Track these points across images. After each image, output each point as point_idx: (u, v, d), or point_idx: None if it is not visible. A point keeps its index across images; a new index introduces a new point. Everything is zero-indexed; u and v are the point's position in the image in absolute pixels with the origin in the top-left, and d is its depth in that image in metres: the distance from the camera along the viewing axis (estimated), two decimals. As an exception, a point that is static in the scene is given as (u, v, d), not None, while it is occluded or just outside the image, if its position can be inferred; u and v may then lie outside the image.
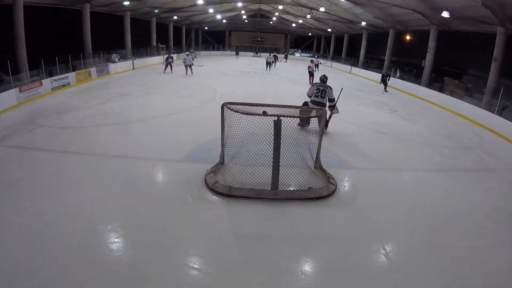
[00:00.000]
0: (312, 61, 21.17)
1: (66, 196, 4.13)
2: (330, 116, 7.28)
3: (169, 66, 17.26)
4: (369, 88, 16.01)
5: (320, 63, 23.31)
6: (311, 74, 15.92)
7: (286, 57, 32.29)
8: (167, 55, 18.23)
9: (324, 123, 5.51)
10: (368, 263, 3.23)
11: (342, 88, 7.60)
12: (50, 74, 11.66)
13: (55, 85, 11.37)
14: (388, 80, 14.85)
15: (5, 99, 8.57)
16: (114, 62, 17.45)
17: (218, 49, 37.44)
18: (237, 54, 34.51)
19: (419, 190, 4.92)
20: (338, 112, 7.25)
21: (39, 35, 14.38)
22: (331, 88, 7.07)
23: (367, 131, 7.89)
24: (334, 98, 7.11)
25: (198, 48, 36.75)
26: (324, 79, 7.31)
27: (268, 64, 21.16)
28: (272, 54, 24.51)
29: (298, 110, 4.72)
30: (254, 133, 4.46)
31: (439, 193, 4.86)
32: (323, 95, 6.95)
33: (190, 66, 16.75)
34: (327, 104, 7.08)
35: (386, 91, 14.59)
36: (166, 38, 28.35)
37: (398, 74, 17.46)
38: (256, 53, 36.79)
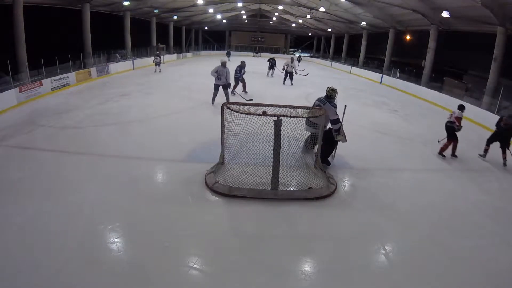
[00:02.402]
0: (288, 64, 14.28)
1: (66, 196, 4.13)
2: (334, 145, 5.55)
3: (240, 83, 11.18)
4: (369, 88, 16.01)
5: (296, 73, 14.50)
6: (289, 75, 11.11)
7: (298, 60, 26.50)
8: (239, 66, 11.00)
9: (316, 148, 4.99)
10: (368, 263, 3.23)
11: (345, 106, 5.67)
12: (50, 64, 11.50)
13: (55, 85, 11.37)
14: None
15: (5, 99, 8.57)
16: (116, 62, 17.51)
17: (218, 49, 37.43)
18: (228, 55, 27.17)
19: (419, 190, 4.92)
20: (346, 141, 5.42)
21: (39, 35, 14.38)
22: (333, 106, 5.21)
23: (367, 131, 7.89)
24: (337, 119, 5.20)
25: (198, 48, 36.76)
26: (329, 92, 5.39)
27: (289, 74, 14.35)
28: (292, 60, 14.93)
29: (298, 110, 4.70)
30: (254, 133, 4.46)
31: (439, 193, 4.86)
32: (314, 125, 5.23)
33: (242, 80, 10.51)
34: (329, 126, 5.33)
35: (505, 165, 6.27)
36: (166, 38, 28.36)
37: (398, 74, 17.47)
38: (256, 53, 36.74)
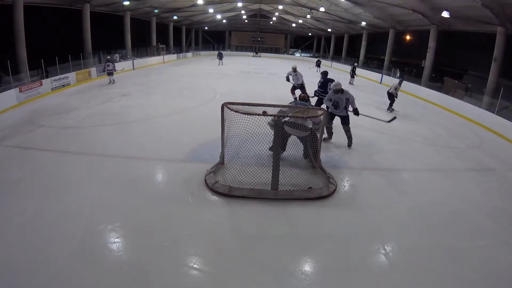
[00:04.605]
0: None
1: (66, 196, 4.13)
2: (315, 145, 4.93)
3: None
4: (369, 88, 16.01)
5: (396, 96, 10.60)
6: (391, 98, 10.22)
7: (318, 65, 22.36)
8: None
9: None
10: (368, 263, 3.23)
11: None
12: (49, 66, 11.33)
13: (55, 85, 11.38)
14: None
15: (5, 99, 8.58)
16: (115, 61, 17.45)
17: (218, 49, 37.41)
18: (220, 57, 24.01)
19: (419, 190, 4.92)
20: (330, 138, 5.38)
21: (39, 35, 14.39)
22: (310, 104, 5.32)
23: (367, 131, 7.88)
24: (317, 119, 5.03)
25: (198, 48, 36.73)
26: (305, 96, 5.58)
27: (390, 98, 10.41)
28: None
29: (298, 110, 4.71)
30: (254, 133, 4.46)
31: (439, 193, 4.86)
32: (298, 126, 4.71)
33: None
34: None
35: None
36: (166, 38, 28.38)
37: (398, 74, 17.46)
38: (256, 53, 36.72)
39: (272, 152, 5.31)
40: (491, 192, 5.12)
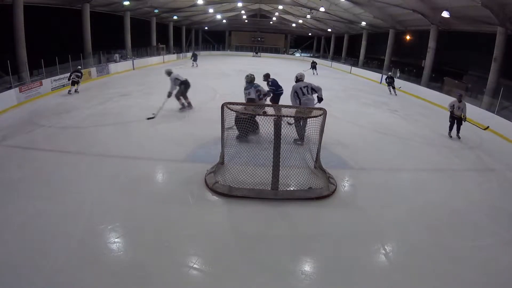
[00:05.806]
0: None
1: (66, 196, 4.13)
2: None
3: None
4: (369, 88, 16.01)
5: (465, 119, 7.72)
6: (456, 121, 7.72)
7: (314, 67, 20.43)
8: None
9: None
10: (368, 263, 3.23)
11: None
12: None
13: (55, 85, 11.37)
14: None
15: (5, 99, 8.57)
16: (115, 61, 17.48)
17: (218, 49, 37.44)
18: (194, 59, 21.84)
19: (419, 190, 4.92)
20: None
21: (39, 35, 14.39)
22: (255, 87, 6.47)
23: (367, 131, 7.88)
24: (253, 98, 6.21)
25: (198, 48, 36.73)
26: (249, 78, 6.80)
27: (456, 121, 7.74)
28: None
29: (298, 110, 4.71)
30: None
31: (439, 193, 4.86)
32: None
33: None
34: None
35: None
36: (166, 38, 28.37)
37: (398, 74, 17.46)
38: (256, 53, 36.69)
39: (239, 140, 5.70)
40: (491, 192, 5.12)
